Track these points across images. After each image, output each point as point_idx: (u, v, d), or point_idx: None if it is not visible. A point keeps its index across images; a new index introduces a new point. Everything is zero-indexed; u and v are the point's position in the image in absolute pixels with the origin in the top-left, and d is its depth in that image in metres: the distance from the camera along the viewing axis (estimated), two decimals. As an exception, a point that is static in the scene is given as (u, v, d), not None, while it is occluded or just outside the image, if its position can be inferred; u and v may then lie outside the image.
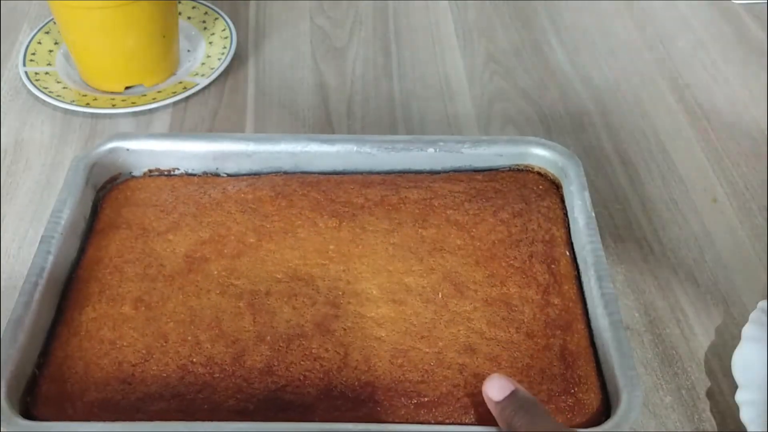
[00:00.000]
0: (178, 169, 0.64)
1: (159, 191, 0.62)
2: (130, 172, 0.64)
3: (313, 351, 0.51)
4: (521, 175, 0.63)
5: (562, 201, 0.61)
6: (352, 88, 0.82)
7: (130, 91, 0.80)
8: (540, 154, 0.63)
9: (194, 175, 0.64)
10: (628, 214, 0.69)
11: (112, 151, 0.63)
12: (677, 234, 0.67)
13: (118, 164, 0.63)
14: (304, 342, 0.52)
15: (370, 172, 0.64)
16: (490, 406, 0.47)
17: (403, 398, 0.49)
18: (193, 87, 0.79)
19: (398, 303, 0.54)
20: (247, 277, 0.56)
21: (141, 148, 0.63)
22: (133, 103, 0.77)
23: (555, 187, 0.63)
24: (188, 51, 0.85)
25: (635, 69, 0.85)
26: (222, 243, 0.58)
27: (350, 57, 0.86)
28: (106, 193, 0.63)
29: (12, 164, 0.73)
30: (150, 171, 0.64)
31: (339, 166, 0.64)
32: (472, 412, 0.49)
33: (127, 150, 0.63)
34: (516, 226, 0.59)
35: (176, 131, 0.76)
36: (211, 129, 0.77)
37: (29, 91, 0.79)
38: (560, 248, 0.58)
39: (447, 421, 0.49)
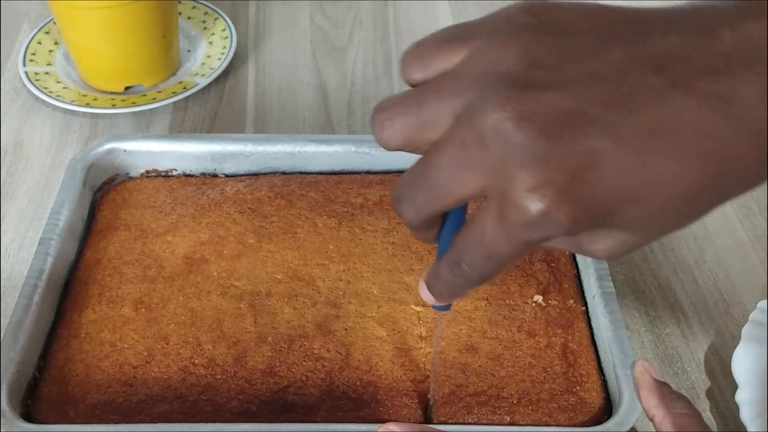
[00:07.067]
0: (175, 170, 0.64)
1: (157, 192, 0.62)
2: (128, 174, 0.64)
3: (315, 351, 0.51)
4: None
5: (561, 200, 0.61)
6: (352, 88, 0.82)
7: (130, 91, 0.80)
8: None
9: (192, 176, 0.64)
10: (628, 213, 0.68)
11: (109, 152, 0.63)
12: (677, 234, 0.67)
13: (116, 165, 0.63)
14: (305, 342, 0.52)
15: (369, 172, 0.64)
16: (647, 384, 0.46)
17: (405, 398, 0.49)
18: (193, 87, 0.79)
19: (399, 302, 0.54)
20: (248, 278, 0.56)
21: (138, 149, 0.63)
22: (133, 103, 0.77)
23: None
24: (188, 51, 0.85)
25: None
26: (221, 244, 0.58)
27: (350, 57, 0.86)
28: (104, 195, 0.62)
29: (12, 164, 0.72)
30: (147, 172, 0.64)
31: (337, 166, 0.64)
32: (475, 411, 0.49)
33: (125, 151, 0.63)
34: (516, 226, 0.59)
35: (176, 131, 0.76)
36: (211, 129, 0.76)
37: (29, 91, 0.79)
38: (560, 247, 0.58)
39: (450, 420, 0.49)
